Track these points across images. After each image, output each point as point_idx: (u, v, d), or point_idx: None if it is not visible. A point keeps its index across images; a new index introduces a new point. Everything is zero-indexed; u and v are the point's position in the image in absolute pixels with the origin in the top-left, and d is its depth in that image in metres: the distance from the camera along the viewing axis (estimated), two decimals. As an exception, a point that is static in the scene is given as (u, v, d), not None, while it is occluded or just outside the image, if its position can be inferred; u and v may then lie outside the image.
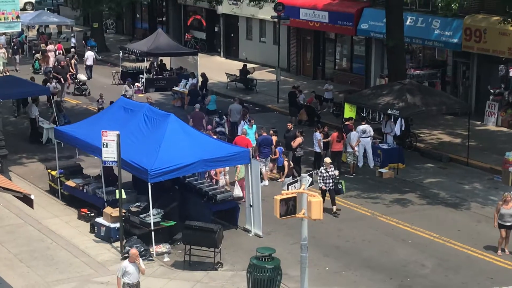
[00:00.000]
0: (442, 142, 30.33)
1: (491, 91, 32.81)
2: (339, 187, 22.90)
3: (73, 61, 41.58)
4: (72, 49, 46.00)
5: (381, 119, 30.73)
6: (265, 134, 26.02)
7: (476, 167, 27.37)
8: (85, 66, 42.84)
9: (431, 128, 31.99)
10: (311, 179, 16.79)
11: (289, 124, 27.62)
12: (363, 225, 22.25)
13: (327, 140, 26.69)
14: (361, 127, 27.39)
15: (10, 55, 44.48)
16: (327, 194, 22.79)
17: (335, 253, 20.30)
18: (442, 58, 35.77)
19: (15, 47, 45.32)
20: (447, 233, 21.48)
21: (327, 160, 23.05)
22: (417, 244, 20.91)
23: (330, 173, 22.69)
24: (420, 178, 26.35)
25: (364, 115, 31.11)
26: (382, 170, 26.73)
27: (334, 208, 22.77)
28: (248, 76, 40.64)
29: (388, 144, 28.01)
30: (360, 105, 29.29)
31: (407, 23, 33.89)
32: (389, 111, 27.28)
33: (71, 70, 39.75)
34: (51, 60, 42.87)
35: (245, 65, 41.65)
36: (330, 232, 21.54)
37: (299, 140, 25.94)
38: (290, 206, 15.48)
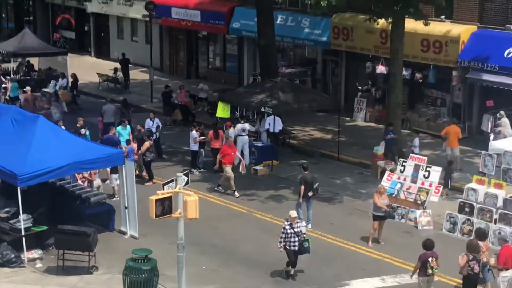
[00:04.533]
0: (314, 139, 31.02)
1: (359, 88, 33.84)
2: (305, 246, 18.53)
3: None
4: None
5: (255, 117, 31.06)
6: (111, 134, 25.92)
7: (347, 162, 28.18)
8: None
9: (303, 125, 32.62)
10: (186, 178, 16.72)
11: (139, 126, 27.12)
12: (239, 222, 22.42)
13: (203, 139, 26.77)
14: (240, 126, 27.58)
15: None
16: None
17: (212, 251, 20.36)
18: (312, 56, 36.56)
19: None
20: (321, 227, 21.96)
21: (292, 213, 18.50)
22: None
23: (295, 229, 18.35)
24: (294, 174, 26.76)
25: (238, 113, 31.33)
26: (257, 167, 27.04)
27: (293, 270, 18.79)
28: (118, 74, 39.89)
29: (262, 141, 28.38)
30: (234, 103, 29.49)
31: (278, 22, 34.37)
32: (262, 109, 27.66)
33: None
34: None
35: (126, 60, 40.80)
36: (207, 230, 21.55)
37: (147, 144, 25.59)
38: (166, 206, 15.38)
